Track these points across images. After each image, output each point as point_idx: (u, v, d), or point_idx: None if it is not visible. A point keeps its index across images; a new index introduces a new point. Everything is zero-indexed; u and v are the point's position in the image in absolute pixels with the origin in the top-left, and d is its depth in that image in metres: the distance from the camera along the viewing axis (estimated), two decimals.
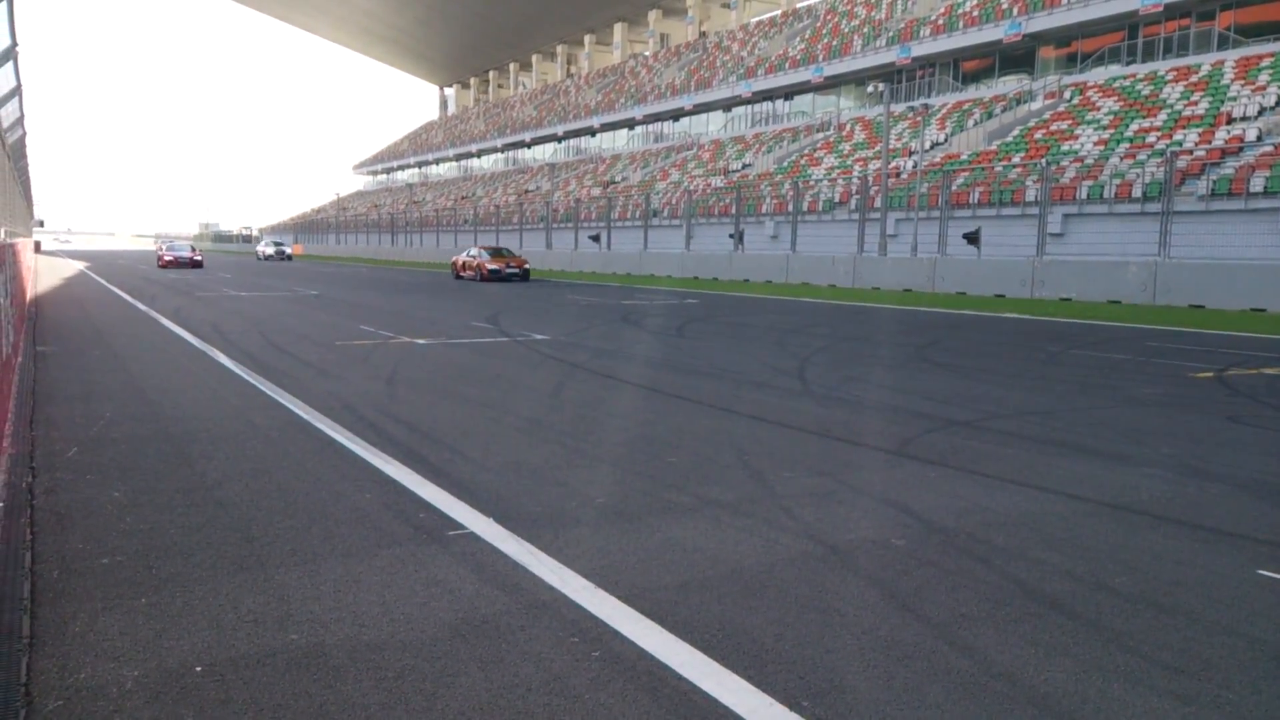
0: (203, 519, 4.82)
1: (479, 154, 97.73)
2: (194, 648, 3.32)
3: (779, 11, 70.63)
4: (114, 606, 3.67)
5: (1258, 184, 27.67)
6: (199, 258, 48.04)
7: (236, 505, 5.07)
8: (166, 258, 46.77)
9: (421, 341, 13.51)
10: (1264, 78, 34.33)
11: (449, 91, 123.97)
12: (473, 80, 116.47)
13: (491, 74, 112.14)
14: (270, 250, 70.22)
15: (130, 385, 9.24)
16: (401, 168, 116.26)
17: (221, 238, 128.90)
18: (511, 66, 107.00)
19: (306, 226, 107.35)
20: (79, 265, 50.01)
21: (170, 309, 19.11)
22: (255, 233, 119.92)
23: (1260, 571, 4.25)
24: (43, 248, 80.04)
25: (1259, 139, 30.66)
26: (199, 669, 3.16)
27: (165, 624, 3.51)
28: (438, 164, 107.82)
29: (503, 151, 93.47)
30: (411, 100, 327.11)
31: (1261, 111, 32.52)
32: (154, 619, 3.56)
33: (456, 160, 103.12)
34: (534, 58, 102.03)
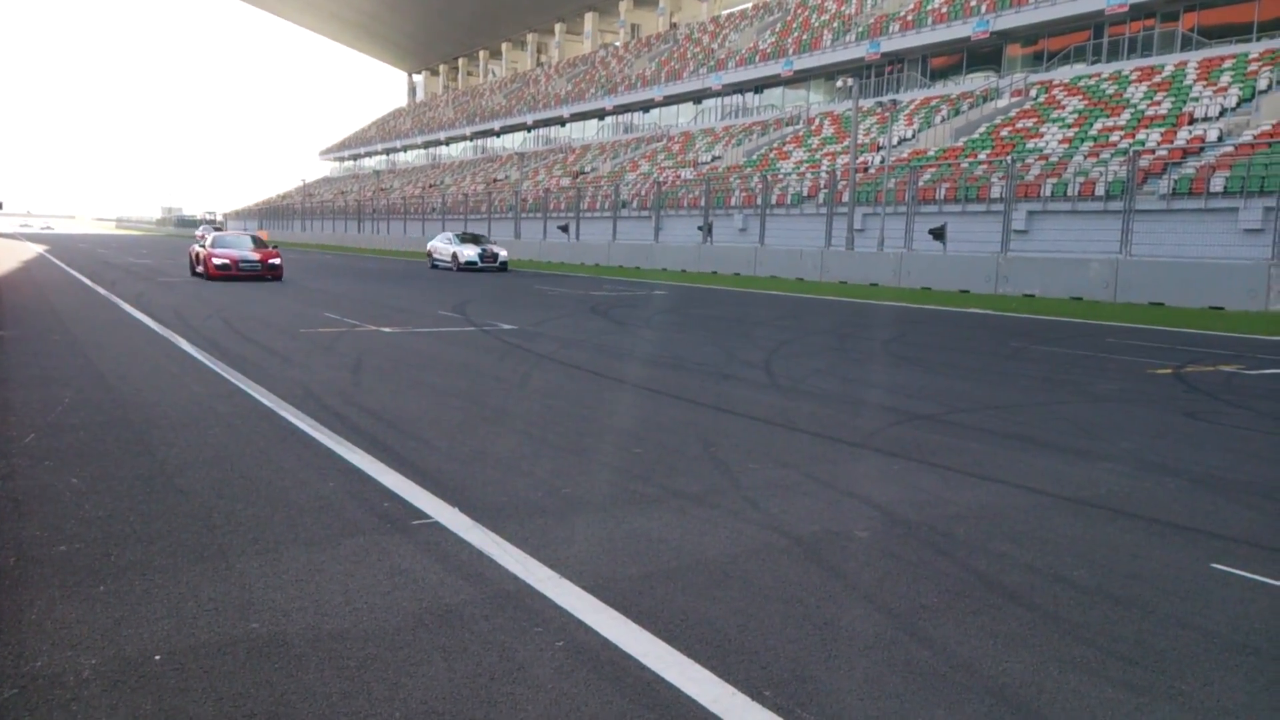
0: (163, 506, 4.77)
1: (447, 142, 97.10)
2: (153, 636, 3.28)
3: (750, 4, 70.74)
4: (72, 594, 3.63)
5: (1218, 184, 28.10)
6: (277, 260, 25.63)
7: (197, 493, 5.02)
8: (219, 260, 24.59)
9: (387, 330, 13.42)
10: (1226, 79, 34.85)
11: (418, 78, 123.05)
12: (442, 67, 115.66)
13: (461, 61, 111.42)
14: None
15: (90, 371, 9.11)
16: (369, 154, 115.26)
17: (185, 222, 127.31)
18: (481, 54, 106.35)
19: (272, 213, 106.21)
20: (38, 249, 49.17)
21: (132, 294, 18.85)
22: (219, 218, 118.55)
23: (1214, 565, 4.33)
24: (1, 231, 78.70)
25: (1220, 139, 31.12)
26: (158, 657, 3.13)
27: (124, 612, 3.47)
28: (406, 151, 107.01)
29: (471, 140, 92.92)
30: (380, 87, 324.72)
31: (1223, 112, 33.01)
32: (112, 607, 3.52)
33: (425, 148, 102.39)
34: (504, 46, 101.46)
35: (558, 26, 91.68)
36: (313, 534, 4.40)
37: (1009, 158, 30.61)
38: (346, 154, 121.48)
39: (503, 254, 35.36)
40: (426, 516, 4.70)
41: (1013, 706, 2.96)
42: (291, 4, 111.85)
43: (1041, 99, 41.15)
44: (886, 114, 40.98)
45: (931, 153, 40.41)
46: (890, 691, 3.03)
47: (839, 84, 53.98)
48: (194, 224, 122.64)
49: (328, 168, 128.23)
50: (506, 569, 4.00)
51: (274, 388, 8.25)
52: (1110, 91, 38.29)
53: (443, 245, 36.74)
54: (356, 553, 4.16)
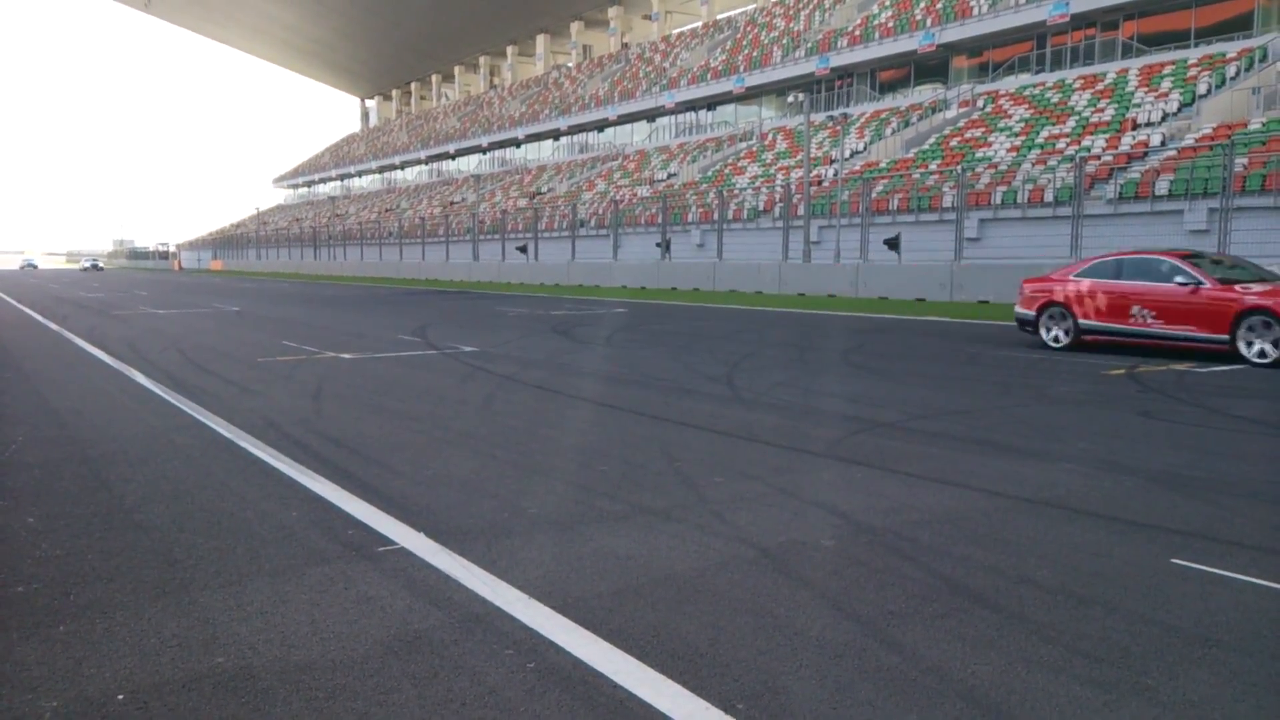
0: (122, 543, 4.69)
1: (402, 166, 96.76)
2: (116, 675, 3.22)
3: (700, 23, 71.30)
4: (31, 635, 3.55)
5: (1163, 187, 28.71)
6: None
7: (157, 528, 4.94)
8: None
9: (347, 356, 13.31)
10: (1166, 84, 35.66)
11: (370, 103, 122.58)
12: (394, 92, 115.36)
13: (413, 85, 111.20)
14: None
15: (43, 408, 8.94)
16: (323, 180, 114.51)
17: (137, 254, 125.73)
18: (434, 78, 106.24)
19: (226, 242, 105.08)
20: None
21: (84, 328, 18.55)
22: (173, 249, 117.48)
23: (1174, 560, 4.40)
24: None
25: (1163, 143, 31.80)
26: (121, 697, 3.07)
27: (85, 652, 3.41)
28: (360, 176, 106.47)
29: (426, 163, 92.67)
30: (332, 112, 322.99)
31: (1165, 117, 33.75)
32: (73, 647, 3.45)
33: (380, 172, 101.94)
34: (456, 69, 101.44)
35: (510, 49, 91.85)
36: (277, 565, 4.35)
37: (959, 167, 31.07)
38: (301, 181, 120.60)
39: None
40: (392, 542, 4.66)
41: (983, 708, 2.99)
42: (242, 32, 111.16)
43: (989, 109, 41.85)
44: (838, 128, 41.48)
45: (883, 164, 40.90)
46: (862, 699, 3.05)
47: (790, 99, 54.55)
48: (147, 255, 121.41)
49: (282, 195, 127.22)
50: (474, 592, 3.98)
51: (233, 418, 8.15)
52: (1055, 100, 39.02)
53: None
54: (322, 582, 4.12)
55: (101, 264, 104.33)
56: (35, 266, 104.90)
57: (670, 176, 54.81)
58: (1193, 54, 37.15)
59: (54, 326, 19.29)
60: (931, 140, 41.58)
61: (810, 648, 3.43)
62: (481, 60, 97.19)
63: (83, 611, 3.79)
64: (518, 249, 47.01)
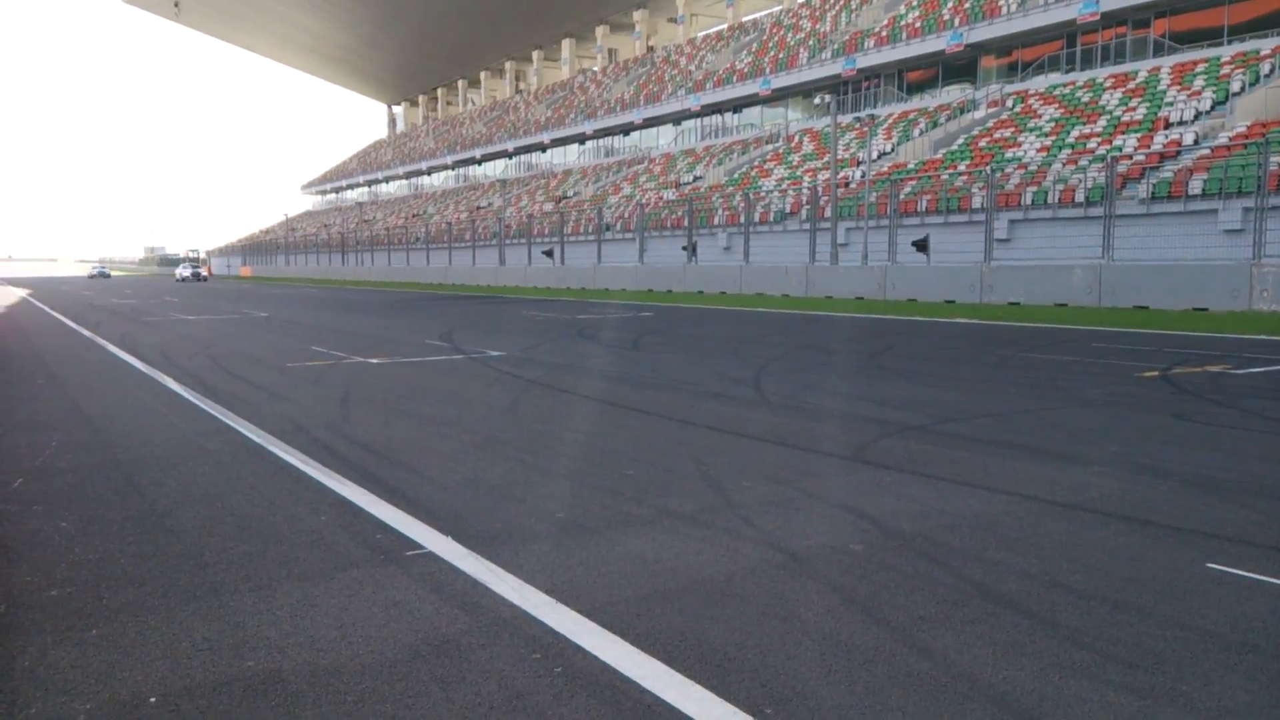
0: (154, 547, 4.73)
1: (429, 171, 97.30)
2: (148, 678, 3.25)
3: (725, 25, 71.25)
4: (64, 639, 3.59)
5: (1196, 186, 28.35)
6: None
7: (188, 532, 4.99)
8: None
9: (375, 361, 13.39)
10: (1199, 83, 35.23)
11: (397, 109, 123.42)
12: (421, 98, 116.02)
13: (440, 91, 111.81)
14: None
15: (76, 413, 9.05)
16: (351, 187, 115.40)
17: (168, 261, 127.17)
18: (460, 84, 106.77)
19: (255, 248, 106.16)
20: (20, 292, 48.96)
21: (116, 335, 18.78)
22: (202, 255, 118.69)
23: (1209, 565, 4.34)
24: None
25: (1196, 143, 31.43)
26: (153, 700, 3.10)
27: (118, 655, 3.44)
28: (387, 182, 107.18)
29: (453, 169, 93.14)
30: (360, 119, 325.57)
31: (1197, 116, 33.35)
32: (106, 650, 3.48)
33: (406, 178, 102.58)
34: (482, 74, 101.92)
35: (535, 54, 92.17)
36: (306, 569, 4.37)
37: (988, 168, 30.83)
38: (328, 187, 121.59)
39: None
40: (420, 547, 4.68)
41: (1015, 714, 2.95)
42: (270, 40, 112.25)
43: (1018, 109, 41.51)
44: (865, 129, 41.25)
45: (911, 165, 40.67)
46: (892, 704, 3.02)
47: (816, 101, 54.40)
48: (178, 262, 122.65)
49: (310, 201, 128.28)
50: (502, 596, 3.98)
51: (262, 423, 8.22)
52: (1085, 99, 38.65)
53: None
54: (351, 586, 4.13)
55: (203, 257, 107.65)
56: (108, 275, 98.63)
57: (696, 179, 54.77)
58: (1226, 51, 36.69)
59: (87, 333, 19.54)
60: (960, 141, 41.30)
61: (839, 652, 3.41)
62: (507, 65, 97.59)
63: (115, 615, 3.83)
64: (544, 253, 47.16)
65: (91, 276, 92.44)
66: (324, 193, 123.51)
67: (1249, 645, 3.45)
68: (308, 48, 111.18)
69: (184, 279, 73.19)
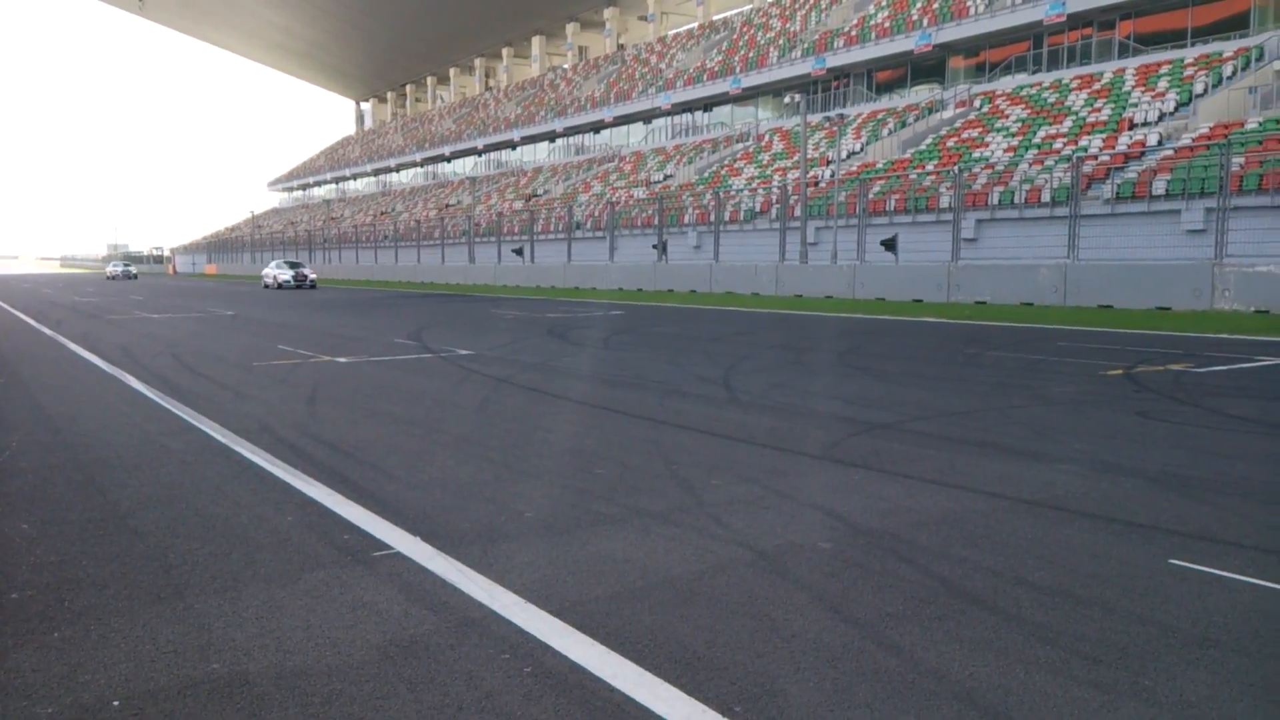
0: (117, 549, 4.67)
1: (398, 169, 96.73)
2: (111, 681, 3.21)
3: (696, 24, 71.37)
4: (26, 642, 3.53)
5: (1160, 187, 28.74)
6: None
7: (152, 533, 4.92)
8: None
9: (342, 359, 13.29)
10: (1163, 84, 35.70)
11: (366, 106, 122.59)
12: (389, 94, 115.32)
13: (409, 88, 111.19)
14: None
15: (37, 413, 8.92)
16: (318, 184, 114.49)
17: (132, 259, 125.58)
18: (429, 80, 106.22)
19: (221, 246, 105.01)
20: None
21: (78, 333, 18.52)
22: (167, 253, 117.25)
23: (1172, 561, 4.40)
24: None
25: (1160, 143, 31.85)
26: (116, 703, 3.06)
27: (80, 658, 3.39)
28: (355, 179, 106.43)
29: (422, 166, 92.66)
30: (327, 115, 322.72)
31: (1161, 117, 33.80)
32: (68, 653, 3.43)
33: (375, 175, 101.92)
34: (451, 71, 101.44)
35: (505, 51, 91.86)
36: (272, 570, 4.33)
37: (956, 168, 31.09)
38: (295, 184, 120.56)
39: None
40: (388, 547, 4.65)
41: (982, 710, 2.98)
42: (235, 35, 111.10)
43: (985, 109, 41.89)
44: (835, 128, 41.48)
45: (880, 165, 40.93)
46: (860, 701, 3.04)
47: (786, 100, 54.60)
48: (141, 260, 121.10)
49: (276, 199, 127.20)
50: (471, 596, 3.96)
51: (228, 422, 8.13)
52: (1052, 100, 39.06)
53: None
54: (317, 587, 4.10)
55: (167, 254, 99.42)
56: (134, 276, 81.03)
57: (667, 178, 54.83)
58: (1189, 53, 37.21)
59: (48, 331, 19.26)
60: (928, 141, 41.61)
61: (808, 650, 3.42)
62: (477, 62, 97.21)
63: (78, 618, 3.77)
64: (514, 251, 47.02)
65: (112, 277, 75.96)
66: (291, 190, 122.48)
67: (1210, 640, 3.50)
68: (275, 43, 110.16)
69: (114, 276, 77.22)
